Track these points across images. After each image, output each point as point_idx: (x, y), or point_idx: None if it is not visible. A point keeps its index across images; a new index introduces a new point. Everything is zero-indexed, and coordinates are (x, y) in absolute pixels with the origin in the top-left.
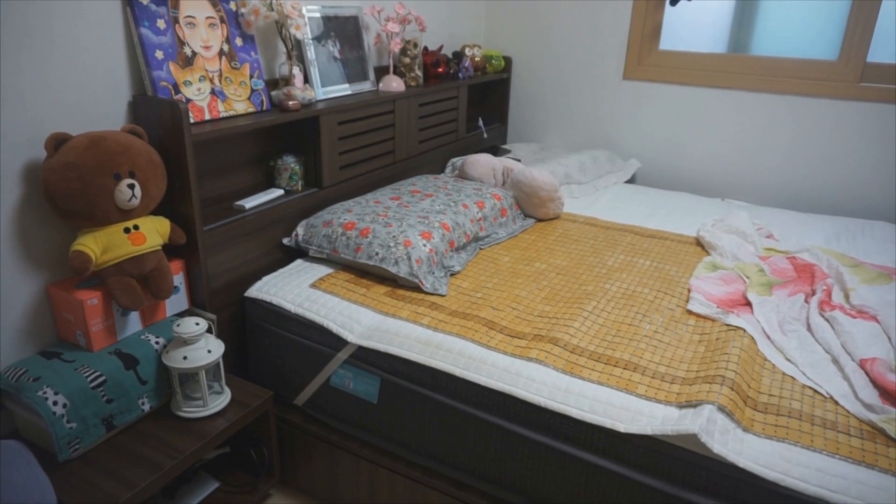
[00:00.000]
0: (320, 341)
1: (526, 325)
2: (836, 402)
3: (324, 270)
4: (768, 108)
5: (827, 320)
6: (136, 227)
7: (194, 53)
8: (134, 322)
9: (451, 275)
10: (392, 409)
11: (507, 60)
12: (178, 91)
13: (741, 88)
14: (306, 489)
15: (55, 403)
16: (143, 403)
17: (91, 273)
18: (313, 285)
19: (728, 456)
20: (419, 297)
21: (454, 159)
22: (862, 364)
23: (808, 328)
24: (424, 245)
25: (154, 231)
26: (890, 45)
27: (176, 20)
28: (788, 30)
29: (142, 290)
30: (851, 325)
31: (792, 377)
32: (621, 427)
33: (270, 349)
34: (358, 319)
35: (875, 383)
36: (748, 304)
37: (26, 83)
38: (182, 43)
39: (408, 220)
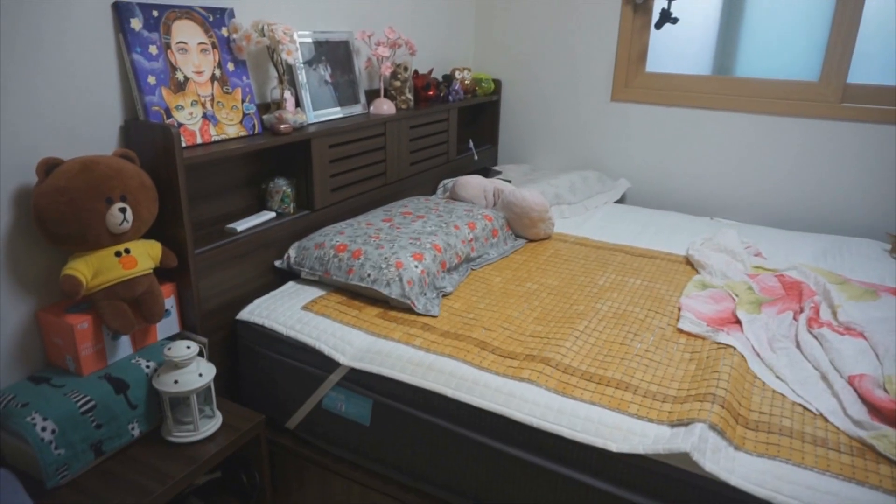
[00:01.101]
0: (312, 363)
1: (518, 345)
2: (826, 419)
3: (316, 292)
4: (753, 128)
5: (815, 337)
6: (127, 251)
7: (186, 78)
8: (124, 346)
9: (443, 296)
10: (384, 431)
11: (497, 83)
12: (169, 115)
13: (726, 109)
14: None
15: (43, 429)
16: (133, 428)
17: (82, 297)
18: (305, 307)
19: (719, 474)
20: (411, 318)
21: (445, 181)
22: (850, 381)
23: (797, 345)
24: (416, 266)
25: (145, 254)
26: (869, 67)
27: (168, 46)
28: (771, 52)
29: (133, 314)
30: (839, 342)
31: (782, 395)
32: (613, 446)
33: (262, 372)
34: (350, 341)
35: (864, 399)
36: (738, 322)
37: (17, 108)
38: (174, 68)
39: (399, 241)
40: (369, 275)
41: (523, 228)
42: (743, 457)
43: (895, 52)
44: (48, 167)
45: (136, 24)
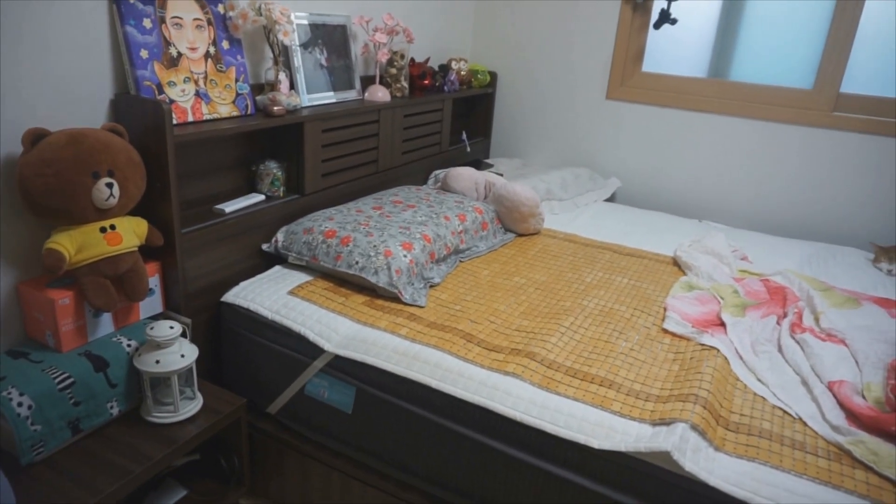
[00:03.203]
0: (296, 349)
1: (504, 338)
2: (805, 424)
3: (302, 278)
4: (746, 133)
5: (797, 342)
6: (112, 227)
7: (180, 54)
8: (106, 324)
9: (431, 286)
10: (367, 419)
11: (493, 75)
12: (161, 91)
13: (720, 113)
14: (276, 499)
15: (20, 405)
16: (112, 407)
17: (64, 272)
18: (291, 292)
19: (699, 474)
20: (398, 307)
21: (437, 171)
22: (830, 386)
23: (780, 350)
24: (405, 256)
25: (131, 231)
26: (863, 77)
27: (162, 20)
28: (767, 58)
29: (116, 292)
30: (821, 348)
31: (763, 398)
32: (595, 443)
33: (245, 356)
34: (335, 328)
35: (842, 406)
36: (722, 324)
37: (5, 78)
38: (168, 43)
39: (389, 230)
40: (357, 262)
41: (513, 223)
42: (722, 458)
43: (888, 64)
44: (34, 138)
45: None
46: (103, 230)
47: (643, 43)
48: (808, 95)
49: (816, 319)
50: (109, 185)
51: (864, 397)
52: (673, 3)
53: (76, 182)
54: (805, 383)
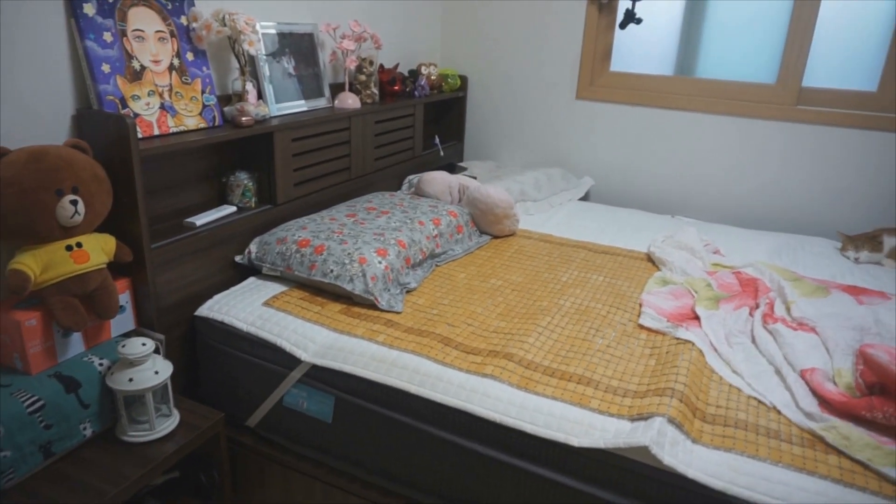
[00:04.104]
0: (273, 360)
1: (481, 341)
2: (779, 412)
3: (277, 288)
4: (713, 128)
5: (770, 332)
6: (79, 245)
7: (143, 67)
8: (76, 343)
9: (407, 292)
10: (347, 428)
11: (463, 79)
12: (125, 105)
13: (687, 109)
14: None
15: None
16: (85, 428)
17: (30, 293)
18: (266, 303)
19: (677, 467)
20: (374, 314)
21: (410, 176)
22: (802, 374)
23: (753, 341)
24: (380, 262)
25: (98, 249)
26: (824, 71)
27: (123, 33)
28: (731, 54)
29: (85, 310)
30: (793, 337)
31: (738, 389)
32: (575, 441)
33: (222, 369)
34: (312, 338)
35: (814, 393)
36: (697, 317)
37: None
38: (130, 56)
39: (363, 237)
40: (332, 270)
41: (488, 225)
42: (700, 450)
43: (848, 58)
44: None
45: (89, 9)
46: (69, 248)
47: (610, 43)
48: (771, 90)
49: (788, 309)
50: (74, 203)
51: (835, 383)
52: (637, 3)
53: (39, 200)
54: (778, 372)
